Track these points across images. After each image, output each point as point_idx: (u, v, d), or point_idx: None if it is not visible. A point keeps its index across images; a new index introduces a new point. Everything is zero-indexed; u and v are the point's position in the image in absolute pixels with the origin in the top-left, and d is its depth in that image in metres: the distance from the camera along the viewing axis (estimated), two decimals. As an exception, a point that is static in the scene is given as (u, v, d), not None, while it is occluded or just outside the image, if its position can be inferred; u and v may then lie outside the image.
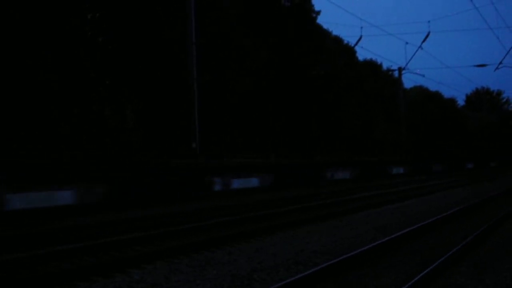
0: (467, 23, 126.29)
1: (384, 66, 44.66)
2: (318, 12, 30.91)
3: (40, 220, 12.47)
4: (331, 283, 6.46)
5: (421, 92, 52.14)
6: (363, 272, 7.03)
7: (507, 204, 15.62)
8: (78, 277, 6.81)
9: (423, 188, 24.48)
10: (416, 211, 14.37)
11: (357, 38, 35.32)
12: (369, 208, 15.05)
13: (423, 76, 71.00)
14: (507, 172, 46.85)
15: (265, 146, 25.21)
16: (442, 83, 79.46)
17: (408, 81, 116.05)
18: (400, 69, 41.82)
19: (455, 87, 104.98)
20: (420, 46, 36.31)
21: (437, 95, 55.11)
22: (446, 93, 78.25)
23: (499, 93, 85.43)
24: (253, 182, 22.29)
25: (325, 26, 33.58)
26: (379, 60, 50.07)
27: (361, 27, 36.77)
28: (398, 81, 42.75)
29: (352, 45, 35.87)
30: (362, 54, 64.18)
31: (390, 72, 43.76)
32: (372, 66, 41.59)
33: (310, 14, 30.14)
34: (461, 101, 73.76)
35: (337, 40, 35.52)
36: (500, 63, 37.44)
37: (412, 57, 49.93)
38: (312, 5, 30.51)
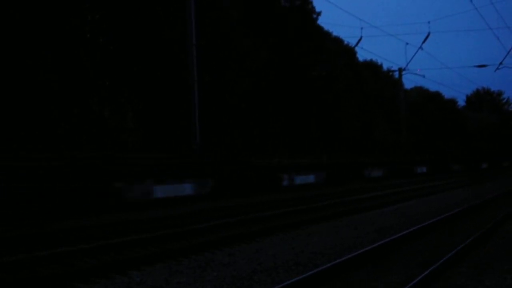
0: (467, 23, 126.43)
1: (384, 67, 44.78)
2: (319, 13, 30.98)
3: (173, 205, 16.11)
4: (331, 285, 6.49)
5: (421, 92, 52.15)
6: (363, 274, 7.05)
7: (507, 205, 15.67)
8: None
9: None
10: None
11: (357, 39, 35.39)
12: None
13: (424, 76, 70.98)
14: (507, 172, 46.92)
15: (265, 146, 25.23)
16: (443, 84, 79.78)
17: (409, 82, 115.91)
18: (400, 70, 41.86)
19: (456, 88, 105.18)
20: (420, 47, 36.44)
21: (437, 96, 55.14)
22: (447, 93, 78.21)
23: (499, 93, 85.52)
24: (310, 178, 26.48)
25: (325, 27, 33.79)
26: (379, 61, 50.13)
27: (361, 28, 36.86)
28: (399, 82, 42.78)
29: (353, 45, 35.99)
30: (362, 54, 64.29)
31: (391, 73, 43.80)
32: (372, 66, 41.63)
33: (310, 15, 30.18)
34: (461, 102, 73.83)
35: (337, 40, 35.59)
36: (501, 63, 37.48)
37: (412, 58, 49.92)
38: (313, 6, 30.58)
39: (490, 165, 62.07)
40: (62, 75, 17.07)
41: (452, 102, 60.74)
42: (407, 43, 54.78)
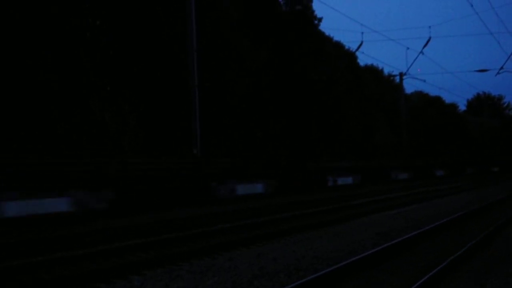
0: (468, 28, 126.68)
1: (385, 72, 44.84)
2: (320, 19, 31.06)
3: (246, 201, 19.47)
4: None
5: (422, 97, 52.33)
6: (364, 278, 7.01)
7: (510, 208, 15.80)
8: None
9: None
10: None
11: (358, 44, 35.45)
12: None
13: (424, 81, 70.93)
14: (508, 176, 47.16)
15: (265, 148, 25.21)
16: (443, 88, 79.69)
17: (409, 86, 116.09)
18: (401, 74, 41.91)
19: (456, 92, 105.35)
20: (421, 52, 36.47)
21: (438, 100, 55.24)
22: (447, 98, 78.38)
23: (500, 98, 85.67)
24: (349, 180, 31.01)
25: (326, 32, 33.99)
26: (380, 66, 50.20)
27: (362, 33, 36.79)
28: (400, 87, 42.83)
29: (354, 50, 36.03)
30: (363, 59, 64.32)
31: (392, 78, 43.88)
32: (373, 71, 41.70)
33: (312, 20, 30.26)
34: (462, 106, 73.96)
35: (339, 45, 35.69)
36: (501, 68, 37.54)
37: (413, 63, 49.99)
38: (313, 11, 30.67)
39: (492, 169, 62.44)
40: (62, 75, 17.03)
41: (453, 106, 60.80)
42: (408, 48, 54.73)
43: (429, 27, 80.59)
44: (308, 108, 28.96)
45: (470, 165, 56.91)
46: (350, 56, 36.43)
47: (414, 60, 40.27)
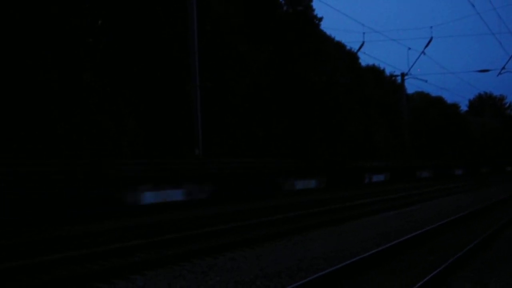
0: (469, 28, 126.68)
1: (387, 72, 44.94)
2: (320, 19, 31.15)
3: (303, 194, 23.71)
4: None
5: (423, 97, 52.42)
6: (365, 279, 7.08)
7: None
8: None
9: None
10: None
11: (359, 44, 35.57)
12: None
13: (426, 81, 70.93)
14: (510, 177, 47.42)
15: (267, 148, 25.31)
16: (445, 89, 79.71)
17: (411, 87, 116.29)
18: (403, 75, 41.98)
19: (458, 93, 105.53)
20: (422, 52, 36.56)
21: (440, 101, 55.32)
22: (449, 98, 78.40)
23: (501, 98, 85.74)
24: (382, 177, 36.26)
25: (328, 32, 34.07)
26: (381, 66, 50.35)
27: (364, 33, 36.96)
28: (401, 87, 42.89)
29: (355, 51, 36.11)
30: (364, 60, 64.60)
31: (393, 78, 43.97)
32: (374, 71, 41.77)
33: (312, 20, 30.36)
34: (464, 107, 74.08)
35: (340, 45, 35.76)
36: (503, 68, 37.69)
37: (414, 63, 50.02)
38: (314, 10, 30.77)
39: (493, 170, 62.65)
40: (62, 75, 17.09)
41: (455, 106, 60.89)
42: (409, 48, 54.89)
43: (431, 27, 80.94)
44: (309, 109, 29.03)
45: (483, 165, 59.23)
46: (351, 57, 36.51)
47: (416, 60, 40.43)
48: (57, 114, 16.69)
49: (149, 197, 17.12)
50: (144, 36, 20.24)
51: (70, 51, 17.39)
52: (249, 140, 24.37)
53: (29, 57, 15.98)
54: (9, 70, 15.50)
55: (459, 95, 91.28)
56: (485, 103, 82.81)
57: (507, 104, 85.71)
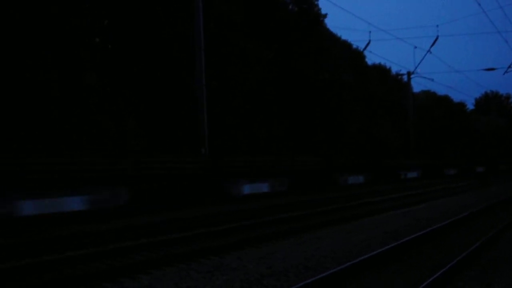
0: (475, 27, 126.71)
1: (393, 71, 45.32)
2: (324, 15, 31.46)
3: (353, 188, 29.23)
4: None
5: (429, 96, 52.85)
6: (371, 278, 7.33)
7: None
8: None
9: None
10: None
11: (365, 43, 35.92)
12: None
13: (432, 80, 71.14)
14: None
15: (269, 149, 25.55)
16: (451, 87, 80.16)
17: (417, 85, 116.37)
18: (409, 73, 42.29)
19: (464, 91, 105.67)
20: (428, 50, 36.84)
21: (446, 99, 55.74)
22: (455, 97, 78.80)
23: (508, 96, 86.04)
24: (414, 174, 41.50)
25: (334, 31, 34.45)
26: (388, 65, 50.72)
27: (370, 32, 37.35)
28: (407, 86, 43.18)
29: (361, 49, 36.44)
30: (371, 58, 65.02)
31: (399, 77, 44.29)
32: (381, 70, 42.11)
33: (317, 18, 30.69)
34: (470, 105, 74.49)
35: (346, 44, 36.12)
36: (509, 67, 37.89)
37: (420, 61, 50.33)
38: (318, 8, 31.07)
39: (500, 169, 63.15)
40: (62, 75, 17.33)
41: (461, 105, 61.28)
42: (415, 47, 55.25)
43: (437, 26, 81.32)
44: (311, 108, 29.27)
45: (500, 163, 61.56)
46: (357, 55, 36.88)
47: (422, 59, 40.63)
48: (57, 114, 16.94)
49: (247, 189, 21.75)
50: (144, 35, 20.48)
51: (70, 51, 17.63)
52: (251, 139, 24.61)
53: (29, 57, 16.22)
54: (9, 70, 15.74)
55: (465, 93, 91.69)
56: (491, 102, 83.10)
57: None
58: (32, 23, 16.33)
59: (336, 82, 31.78)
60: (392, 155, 38.36)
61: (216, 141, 21.80)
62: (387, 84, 41.93)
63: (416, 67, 41.39)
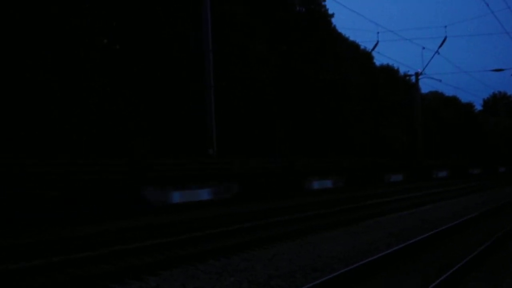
0: (483, 27, 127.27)
1: (401, 71, 45.73)
2: (331, 15, 31.79)
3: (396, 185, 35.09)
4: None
5: (437, 97, 53.51)
6: (379, 279, 7.53)
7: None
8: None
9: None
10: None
11: (373, 44, 36.31)
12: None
13: (440, 81, 71.80)
14: None
15: (272, 150, 25.78)
16: (460, 88, 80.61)
17: (425, 86, 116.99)
18: (417, 74, 42.63)
19: (472, 92, 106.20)
20: (437, 51, 37.21)
21: (454, 100, 56.28)
22: (463, 98, 79.25)
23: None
24: (444, 174, 48.45)
25: (342, 32, 34.94)
26: (396, 66, 51.20)
27: (378, 33, 37.70)
28: (415, 87, 43.50)
29: (369, 50, 36.82)
30: (379, 59, 65.47)
31: (407, 78, 44.67)
32: (389, 71, 42.50)
33: (325, 18, 31.04)
34: (478, 106, 74.94)
35: (354, 45, 36.53)
36: (517, 67, 37.92)
37: (429, 62, 50.48)
38: (326, 9, 31.45)
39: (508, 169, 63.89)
40: (62, 75, 17.55)
41: (469, 106, 61.74)
42: (423, 48, 55.44)
43: (445, 26, 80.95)
44: (316, 109, 29.51)
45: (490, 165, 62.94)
46: (366, 56, 37.30)
47: (430, 59, 40.98)
48: (57, 114, 17.15)
49: (316, 185, 27.56)
50: (144, 35, 20.69)
51: (70, 51, 17.86)
52: (251, 140, 24.82)
53: (29, 57, 16.44)
54: (9, 70, 15.96)
55: (474, 94, 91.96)
56: (499, 103, 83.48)
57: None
58: (32, 23, 16.55)
59: (345, 82, 32.07)
60: (400, 156, 40.65)
61: (220, 142, 22.01)
62: (395, 85, 42.30)
63: (424, 68, 41.80)
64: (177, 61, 21.72)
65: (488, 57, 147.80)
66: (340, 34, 34.21)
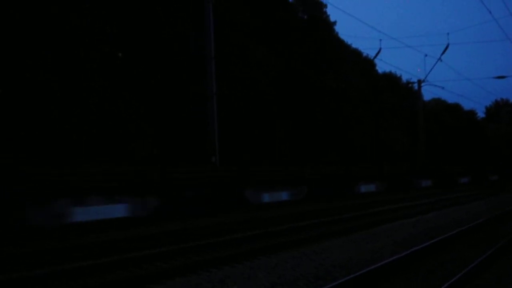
0: (486, 34, 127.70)
1: (403, 79, 46.01)
2: (334, 23, 32.01)
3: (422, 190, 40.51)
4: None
5: (440, 104, 53.85)
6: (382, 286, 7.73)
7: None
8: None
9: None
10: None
11: (376, 51, 36.48)
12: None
13: (443, 88, 72.09)
14: None
15: (273, 157, 25.95)
16: (462, 95, 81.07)
17: (428, 93, 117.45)
18: (419, 81, 42.87)
19: (475, 99, 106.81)
20: (439, 58, 37.47)
21: (456, 107, 56.62)
22: (466, 105, 79.60)
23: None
24: (466, 180, 52.37)
25: (344, 39, 35.20)
26: (398, 73, 51.58)
27: (380, 40, 37.95)
28: (418, 94, 43.76)
29: (372, 57, 37.04)
30: (381, 66, 65.99)
31: (410, 85, 44.91)
32: (391, 78, 42.74)
33: (327, 25, 31.26)
34: (481, 113, 75.36)
35: (356, 52, 36.73)
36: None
37: (431, 70, 51.04)
38: (327, 16, 31.69)
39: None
40: (62, 75, 17.68)
41: (472, 113, 62.08)
42: (426, 55, 56.04)
43: (447, 33, 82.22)
44: (317, 110, 29.67)
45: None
46: (368, 64, 37.49)
47: (433, 67, 41.17)
48: (57, 114, 17.28)
49: (363, 188, 32.76)
50: (144, 37, 20.83)
51: (70, 51, 17.99)
52: (251, 141, 24.98)
53: (29, 57, 16.57)
54: (9, 70, 16.10)
55: (476, 101, 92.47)
56: (501, 110, 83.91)
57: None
58: (32, 23, 16.68)
59: (347, 85, 32.25)
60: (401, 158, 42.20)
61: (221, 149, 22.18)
62: (398, 92, 42.55)
63: (426, 75, 42.01)
64: (178, 63, 21.85)
65: (490, 64, 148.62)
66: (342, 41, 34.47)
